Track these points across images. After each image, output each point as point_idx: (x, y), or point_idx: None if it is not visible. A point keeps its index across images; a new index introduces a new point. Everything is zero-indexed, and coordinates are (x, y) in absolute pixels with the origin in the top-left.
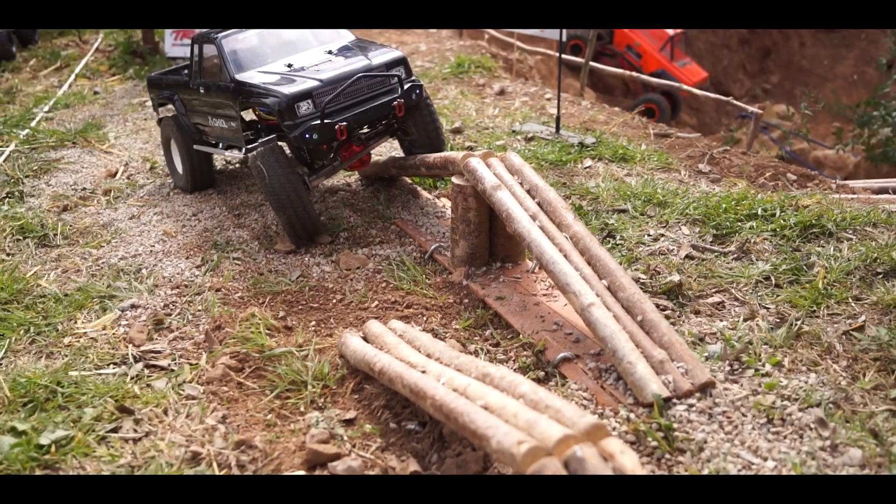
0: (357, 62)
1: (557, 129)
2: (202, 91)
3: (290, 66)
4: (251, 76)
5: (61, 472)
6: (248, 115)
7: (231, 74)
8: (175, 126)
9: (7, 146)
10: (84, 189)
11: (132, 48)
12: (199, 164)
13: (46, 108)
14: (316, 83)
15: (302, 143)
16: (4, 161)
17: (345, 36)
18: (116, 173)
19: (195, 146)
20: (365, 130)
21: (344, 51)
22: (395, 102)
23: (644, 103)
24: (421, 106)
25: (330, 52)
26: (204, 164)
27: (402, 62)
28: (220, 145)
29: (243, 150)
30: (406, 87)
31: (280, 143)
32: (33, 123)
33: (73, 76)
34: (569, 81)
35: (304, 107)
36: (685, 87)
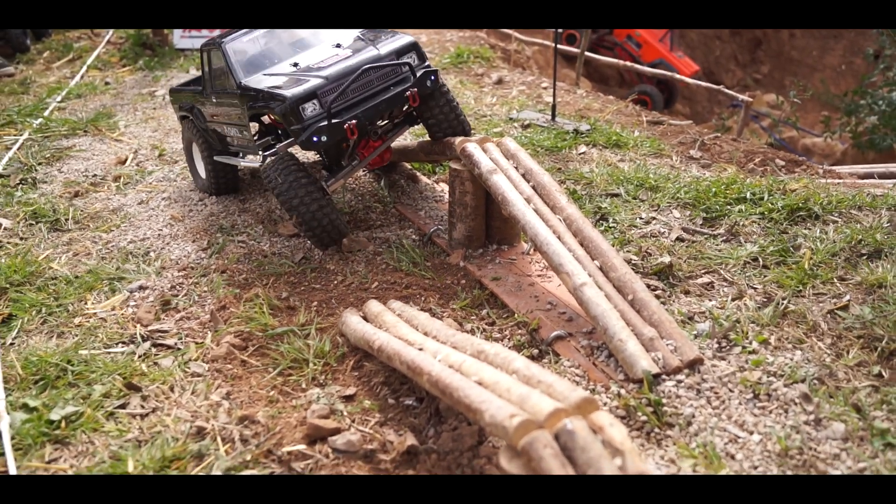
0: (365, 54)
1: (553, 116)
2: (214, 100)
3: (296, 65)
4: (257, 80)
5: (70, 447)
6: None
7: (237, 80)
8: (196, 132)
9: (21, 135)
10: (95, 175)
11: (142, 40)
12: (222, 168)
13: (59, 99)
14: (320, 81)
15: (311, 147)
16: (18, 149)
17: (353, 30)
18: (126, 160)
19: (216, 157)
20: (383, 123)
21: (352, 43)
22: (409, 92)
23: (637, 94)
24: (436, 94)
25: (338, 46)
26: (228, 168)
27: (413, 48)
28: (241, 154)
29: (260, 156)
30: (419, 74)
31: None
32: (46, 113)
33: (85, 67)
34: (565, 71)
35: (311, 108)
36: (678, 76)
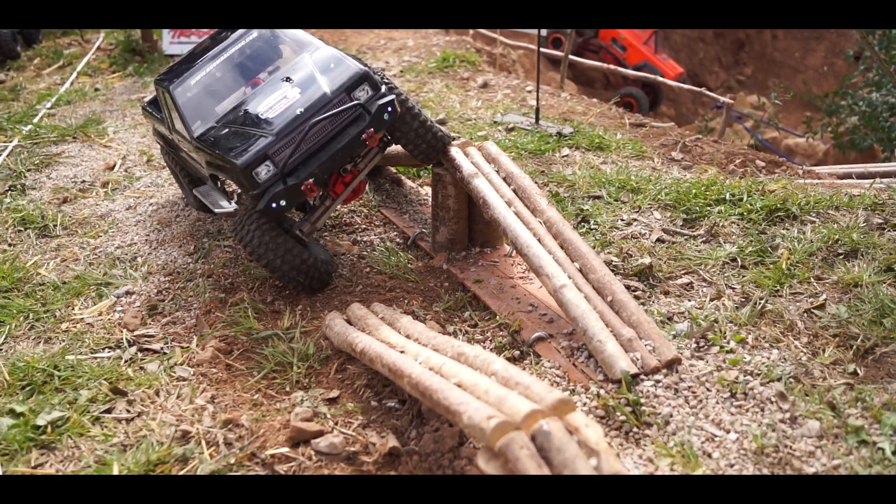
0: (312, 94)
1: (537, 119)
2: (176, 139)
3: (245, 112)
4: (209, 134)
5: (56, 452)
6: None
7: (190, 133)
8: (174, 162)
9: (11, 141)
10: (83, 181)
11: (132, 46)
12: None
13: (49, 105)
14: (269, 139)
15: (271, 214)
16: (8, 156)
17: (304, 44)
18: (114, 166)
19: (195, 191)
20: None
21: (301, 76)
22: (364, 135)
23: (622, 97)
24: (406, 117)
25: (288, 80)
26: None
27: (364, 79)
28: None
29: (232, 203)
30: (374, 109)
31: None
32: (36, 119)
33: (74, 74)
34: (551, 74)
35: (265, 171)
36: (662, 79)
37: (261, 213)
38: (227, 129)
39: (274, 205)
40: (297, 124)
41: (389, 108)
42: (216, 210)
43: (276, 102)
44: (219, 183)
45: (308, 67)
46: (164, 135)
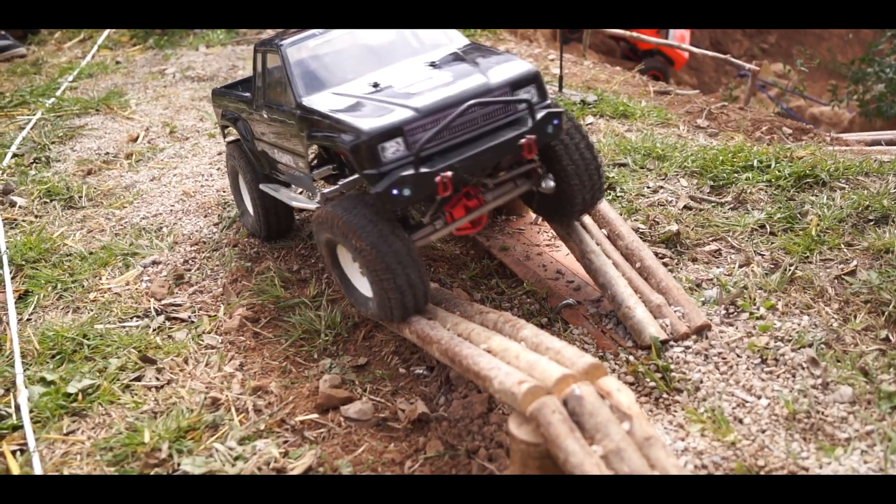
0: (469, 81)
1: (560, 87)
2: (266, 115)
3: (376, 85)
4: (323, 100)
5: (88, 419)
6: None
7: (297, 97)
8: (241, 156)
9: (34, 114)
10: (107, 153)
11: None
12: (273, 205)
13: (71, 78)
14: (410, 113)
15: (388, 201)
16: (32, 128)
17: (454, 39)
18: (138, 138)
19: (261, 186)
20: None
21: (452, 62)
22: (524, 140)
23: (648, 70)
24: (568, 129)
25: (433, 65)
26: (280, 205)
27: (533, 80)
28: (292, 187)
29: (318, 196)
30: (539, 116)
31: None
32: (59, 93)
33: (96, 47)
34: (573, 44)
35: (392, 148)
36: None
37: (377, 196)
38: (349, 97)
39: (395, 191)
40: (447, 104)
41: (556, 120)
42: (293, 203)
43: (420, 80)
44: (308, 165)
45: (462, 56)
46: (239, 117)
